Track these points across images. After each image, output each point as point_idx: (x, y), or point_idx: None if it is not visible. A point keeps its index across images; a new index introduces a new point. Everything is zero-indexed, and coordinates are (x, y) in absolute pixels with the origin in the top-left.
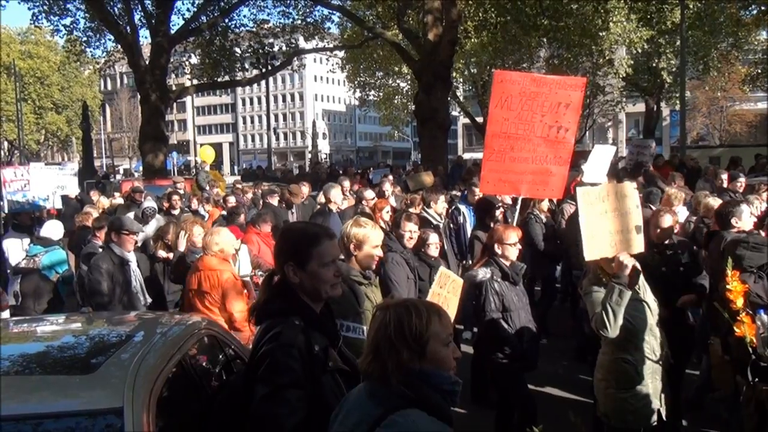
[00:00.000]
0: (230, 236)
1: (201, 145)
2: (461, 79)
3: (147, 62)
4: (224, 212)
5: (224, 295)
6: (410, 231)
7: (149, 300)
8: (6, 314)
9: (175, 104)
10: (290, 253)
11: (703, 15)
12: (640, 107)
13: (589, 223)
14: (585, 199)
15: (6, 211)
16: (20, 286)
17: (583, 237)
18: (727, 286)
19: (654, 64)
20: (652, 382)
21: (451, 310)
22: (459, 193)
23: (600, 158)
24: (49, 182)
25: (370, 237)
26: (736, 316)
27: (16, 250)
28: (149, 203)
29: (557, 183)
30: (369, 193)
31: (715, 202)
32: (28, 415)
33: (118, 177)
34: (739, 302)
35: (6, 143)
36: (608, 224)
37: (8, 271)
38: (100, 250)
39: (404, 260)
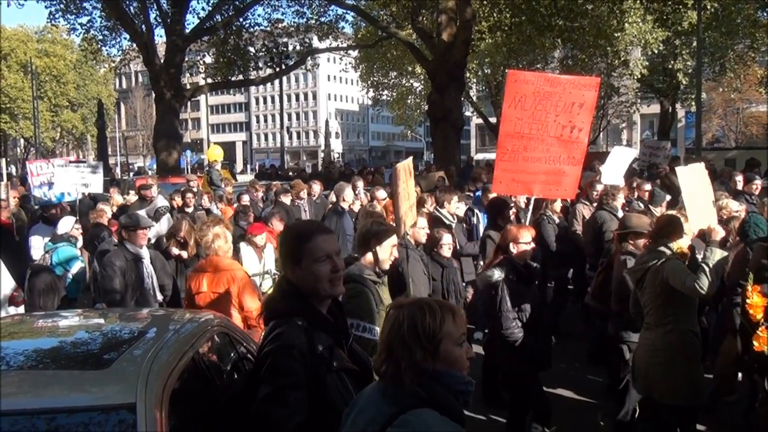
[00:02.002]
0: (229, 234)
1: (210, 144)
2: (475, 80)
3: (162, 61)
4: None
5: (240, 293)
6: (422, 227)
7: (160, 298)
8: (21, 310)
9: (189, 103)
10: (286, 252)
11: (720, 16)
12: (655, 108)
13: (694, 196)
14: (687, 175)
15: (34, 205)
16: (28, 282)
17: (688, 209)
18: (747, 300)
19: (670, 66)
20: None
21: (411, 195)
22: (471, 194)
23: (618, 160)
24: (71, 179)
25: (391, 237)
26: (755, 328)
27: (41, 244)
28: (162, 202)
29: (570, 183)
30: (381, 193)
31: (734, 204)
32: (41, 410)
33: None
34: (759, 316)
35: (22, 141)
36: (706, 197)
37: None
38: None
39: (420, 258)
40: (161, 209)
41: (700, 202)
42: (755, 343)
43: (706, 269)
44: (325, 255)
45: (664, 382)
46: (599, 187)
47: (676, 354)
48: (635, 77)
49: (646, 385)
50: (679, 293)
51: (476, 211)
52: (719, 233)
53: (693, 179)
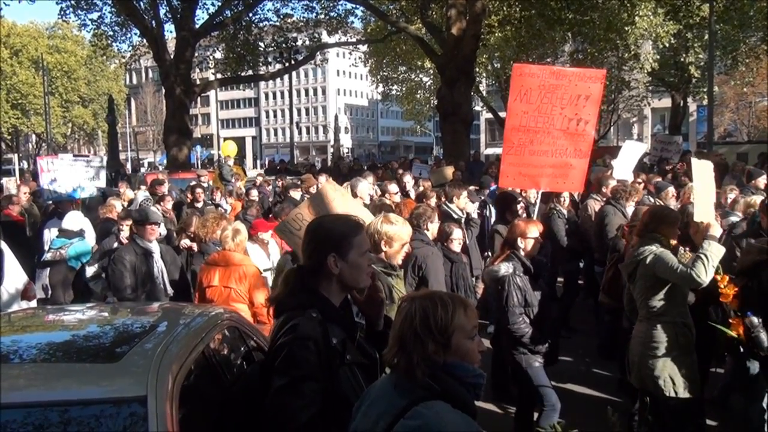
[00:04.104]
0: (245, 230)
1: (225, 139)
2: (484, 74)
3: (172, 57)
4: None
5: (251, 288)
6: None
7: (171, 292)
8: (33, 303)
9: (199, 98)
10: (332, 245)
11: (732, 8)
12: (666, 102)
13: (703, 189)
14: (699, 168)
15: (46, 200)
16: (49, 279)
17: (696, 201)
18: (719, 289)
19: (681, 59)
20: None
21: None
22: (477, 188)
23: (630, 154)
24: (76, 175)
25: (401, 234)
26: (728, 315)
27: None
28: (144, 195)
29: (577, 176)
30: (393, 187)
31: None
32: (54, 402)
33: (143, 170)
34: (730, 301)
35: (34, 136)
36: (710, 193)
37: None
38: (115, 244)
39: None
40: (144, 202)
41: (705, 197)
42: (725, 330)
43: (704, 259)
44: (367, 248)
45: (656, 374)
46: (612, 183)
47: (668, 346)
48: (646, 71)
49: (639, 378)
50: (668, 285)
51: (489, 205)
52: (716, 228)
53: (703, 173)
